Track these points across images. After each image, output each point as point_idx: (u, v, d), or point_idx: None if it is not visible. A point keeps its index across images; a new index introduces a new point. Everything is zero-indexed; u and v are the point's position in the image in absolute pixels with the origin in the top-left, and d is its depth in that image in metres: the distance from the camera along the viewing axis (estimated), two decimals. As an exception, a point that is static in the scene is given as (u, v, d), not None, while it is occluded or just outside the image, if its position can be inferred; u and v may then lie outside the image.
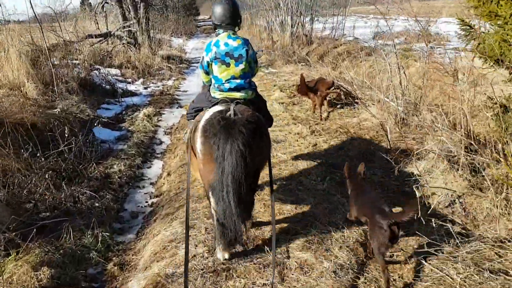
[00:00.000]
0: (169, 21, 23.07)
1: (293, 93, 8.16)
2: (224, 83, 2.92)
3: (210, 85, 3.12)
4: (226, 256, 2.72)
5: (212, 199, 2.57)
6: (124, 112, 7.00)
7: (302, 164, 4.35)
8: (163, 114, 7.01)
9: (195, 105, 3.30)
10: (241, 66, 2.91)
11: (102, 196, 3.96)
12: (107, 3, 13.32)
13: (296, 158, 4.59)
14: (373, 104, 6.21)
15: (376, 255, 2.42)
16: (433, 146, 3.89)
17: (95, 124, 5.93)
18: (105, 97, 7.61)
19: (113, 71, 9.37)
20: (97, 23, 13.63)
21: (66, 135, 4.40)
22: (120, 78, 9.11)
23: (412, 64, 10.43)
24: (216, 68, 2.91)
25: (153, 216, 3.73)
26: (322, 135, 5.41)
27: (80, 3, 21.54)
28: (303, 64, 12.18)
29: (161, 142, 5.89)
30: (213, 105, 2.87)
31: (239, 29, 3.11)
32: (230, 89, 2.92)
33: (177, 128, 6.26)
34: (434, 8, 46.45)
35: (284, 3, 18.60)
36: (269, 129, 3.14)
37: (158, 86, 9.11)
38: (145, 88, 8.79)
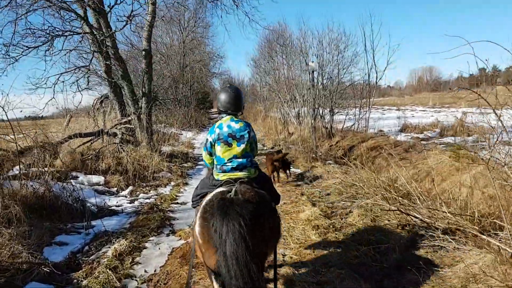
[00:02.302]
0: (180, 114, 22.09)
1: (332, 209, 5.91)
2: (226, 163, 3.04)
3: (213, 168, 3.22)
4: None
5: (215, 284, 2.52)
6: (87, 247, 4.75)
7: None
8: (144, 249, 4.71)
9: (199, 191, 3.25)
10: (243, 146, 3.06)
11: None
12: (107, 98, 11.99)
13: None
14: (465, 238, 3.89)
15: (270, 174, 7.06)
16: None
17: (29, 279, 3.68)
18: (69, 221, 5.47)
19: (95, 178, 7.37)
20: (96, 120, 12.21)
21: None
22: (102, 188, 7.06)
23: (467, 164, 8.16)
24: (219, 149, 3.07)
25: None
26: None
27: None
28: (332, 163, 10.10)
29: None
30: (217, 188, 2.91)
31: (242, 114, 3.27)
32: (232, 168, 3.01)
33: (159, 281, 3.91)
34: (445, 98, 46.26)
35: (300, 95, 17.44)
36: None
37: (150, 197, 6.97)
38: (131, 202, 6.64)
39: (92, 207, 5.98)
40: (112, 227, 5.41)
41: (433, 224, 4.23)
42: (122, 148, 8.81)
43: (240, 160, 3.04)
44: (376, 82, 16.23)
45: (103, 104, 12.40)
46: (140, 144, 9.92)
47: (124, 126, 10.19)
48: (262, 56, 22.00)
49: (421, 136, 16.13)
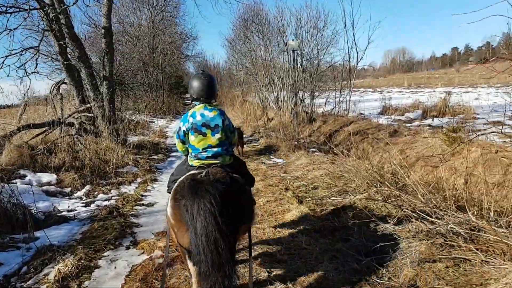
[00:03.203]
0: (151, 101, 20.79)
1: (321, 206, 5.13)
2: (201, 152, 3.04)
3: (186, 155, 3.24)
4: None
5: (189, 263, 2.59)
6: (26, 267, 3.79)
7: None
8: (96, 269, 3.79)
9: (174, 177, 3.19)
10: (218, 135, 3.02)
11: None
12: (65, 83, 10.72)
13: None
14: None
15: None
16: None
17: None
18: (8, 232, 4.47)
19: (46, 177, 6.32)
20: (55, 108, 10.95)
21: None
22: (53, 189, 6.03)
23: (463, 148, 7.57)
24: (193, 138, 3.04)
25: None
26: None
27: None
28: (316, 151, 9.33)
29: None
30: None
31: (215, 101, 3.22)
32: (207, 157, 3.02)
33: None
34: (419, 79, 46.38)
35: (279, 78, 16.54)
36: None
37: (110, 198, 6.00)
38: (87, 205, 5.65)
39: (38, 213, 4.98)
40: (60, 238, 4.45)
41: (450, 229, 3.49)
42: (79, 140, 7.72)
43: (215, 149, 3.03)
44: (357, 63, 15.53)
45: (60, 90, 11.11)
46: (102, 134, 8.83)
47: (83, 114, 9.06)
48: (238, 36, 20.86)
49: (402, 118, 15.61)
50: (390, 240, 3.81)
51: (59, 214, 5.10)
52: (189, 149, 3.14)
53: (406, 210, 4.17)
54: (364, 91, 36.48)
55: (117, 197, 6.07)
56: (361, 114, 17.12)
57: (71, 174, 6.50)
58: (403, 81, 46.53)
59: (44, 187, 5.93)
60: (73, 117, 8.96)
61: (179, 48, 29.71)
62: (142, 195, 6.21)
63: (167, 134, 13.89)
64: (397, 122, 14.09)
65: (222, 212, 2.30)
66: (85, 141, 8.12)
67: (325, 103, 15.60)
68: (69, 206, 5.41)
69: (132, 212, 5.39)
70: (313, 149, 9.58)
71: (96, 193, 6.20)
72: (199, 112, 3.04)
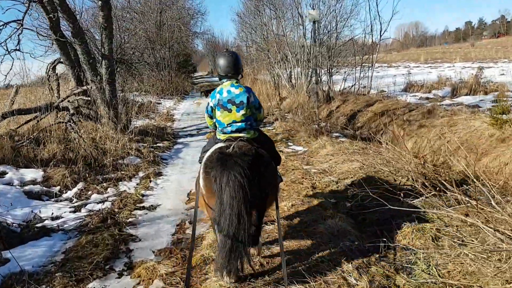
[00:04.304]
0: (158, 81, 19.72)
1: (364, 215, 4.12)
2: (226, 126, 3.17)
3: (215, 128, 3.39)
4: (232, 280, 2.76)
5: (217, 231, 2.70)
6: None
7: None
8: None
9: (205, 148, 3.37)
10: (242, 111, 3.12)
11: None
12: (61, 63, 9.69)
13: None
14: None
15: None
16: None
17: None
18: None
19: (31, 174, 5.39)
20: (52, 90, 9.99)
21: None
22: (38, 189, 5.10)
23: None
24: (219, 113, 3.18)
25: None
26: None
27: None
28: (340, 136, 8.24)
29: None
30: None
31: (241, 77, 3.37)
32: (232, 132, 3.15)
33: None
34: (434, 54, 44.30)
35: (292, 54, 15.29)
36: None
37: (105, 199, 5.05)
38: (76, 210, 4.70)
39: (14, 224, 4.06)
40: (36, 261, 3.51)
41: None
42: (72, 128, 6.76)
43: (238, 124, 3.13)
44: (380, 35, 14.19)
45: (56, 70, 10.11)
46: (101, 120, 7.87)
47: (79, 98, 8.07)
48: (248, 10, 19.47)
49: (430, 96, 14.29)
50: (477, 274, 2.77)
51: (39, 225, 4.17)
52: (216, 124, 3.28)
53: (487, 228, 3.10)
54: (379, 66, 34.78)
55: (114, 197, 5.12)
56: (382, 91, 15.82)
57: (61, 169, 5.56)
58: (419, 56, 44.58)
59: (27, 187, 5.00)
60: (68, 101, 7.98)
61: (187, 25, 28.33)
62: (143, 195, 5.25)
63: (174, 117, 12.88)
64: (426, 101, 12.86)
65: (249, 183, 2.43)
66: (80, 128, 7.16)
67: (344, 80, 14.37)
68: (53, 214, 4.47)
69: (130, 219, 4.43)
70: (337, 134, 8.50)
71: (89, 192, 5.26)
72: (226, 89, 3.15)
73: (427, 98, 13.61)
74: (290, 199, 4.67)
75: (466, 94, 13.65)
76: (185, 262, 3.42)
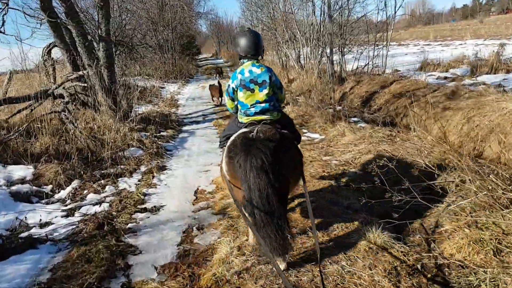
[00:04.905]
0: (162, 64, 18.99)
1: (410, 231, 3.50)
2: (249, 108, 3.07)
3: (235, 112, 3.34)
4: (282, 266, 2.73)
5: (246, 215, 2.62)
6: None
7: None
8: None
9: (226, 132, 3.35)
10: (265, 91, 3.04)
11: None
12: (56, 46, 9.02)
13: None
14: None
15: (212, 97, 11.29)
16: None
17: None
18: None
19: (20, 171, 4.82)
20: (49, 76, 9.37)
21: None
22: (27, 188, 4.53)
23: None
24: (241, 94, 3.08)
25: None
26: None
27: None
28: (359, 121, 7.57)
29: None
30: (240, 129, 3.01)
31: (262, 57, 3.26)
32: (255, 113, 3.06)
33: None
34: (442, 31, 42.88)
35: (302, 33, 14.46)
36: None
37: (103, 200, 4.48)
38: (69, 214, 4.12)
39: (-5, 235, 3.50)
40: (17, 282, 2.96)
41: None
42: (67, 118, 6.16)
43: (262, 105, 3.05)
44: (395, 11, 13.34)
45: (51, 54, 9.45)
46: (99, 108, 7.26)
47: (75, 84, 7.45)
48: (254, -12, 18.55)
49: (448, 75, 13.45)
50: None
51: (25, 234, 3.61)
52: (238, 106, 3.18)
53: None
54: (389, 45, 33.59)
55: (113, 197, 4.54)
56: (397, 71, 15.00)
57: (54, 165, 4.98)
58: (427, 34, 43.17)
59: (15, 187, 4.43)
60: (63, 87, 7.36)
61: (190, 5, 27.31)
62: (145, 194, 4.66)
63: (178, 102, 12.22)
64: (445, 80, 12.07)
65: (273, 168, 2.45)
66: (77, 118, 6.57)
67: (356, 60, 13.57)
68: (41, 220, 3.91)
69: (129, 225, 3.86)
70: (355, 119, 7.81)
71: (85, 192, 4.69)
72: (247, 69, 3.07)
73: (446, 78, 12.80)
74: (316, 205, 4.03)
75: (487, 73, 12.83)
76: (194, 283, 2.85)
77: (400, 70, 14.75)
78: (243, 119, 3.12)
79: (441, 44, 29.10)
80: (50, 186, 4.71)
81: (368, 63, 13.55)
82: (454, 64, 14.88)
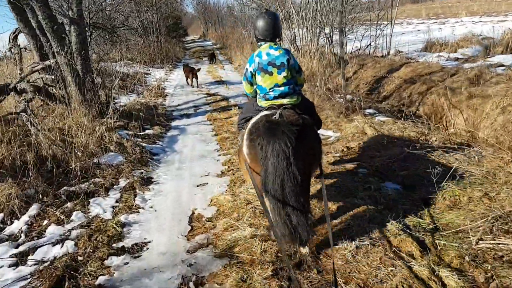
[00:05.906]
0: (146, 47, 17.62)
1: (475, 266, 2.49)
2: (268, 92, 3.00)
3: (253, 97, 3.29)
4: (303, 251, 2.77)
5: (265, 200, 2.53)
6: None
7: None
8: None
9: (243, 115, 3.32)
10: (284, 73, 2.96)
11: None
12: (22, 32, 7.72)
13: None
14: None
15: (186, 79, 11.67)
16: None
17: None
18: None
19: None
20: (16, 65, 8.12)
21: None
22: (-33, 222, 3.44)
23: None
24: (259, 78, 3.01)
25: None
26: None
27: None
28: (376, 113, 6.55)
29: None
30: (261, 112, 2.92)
31: (280, 39, 3.18)
32: (275, 97, 2.99)
33: None
34: (434, 9, 41.85)
35: (297, 12, 13.24)
36: None
37: (67, 236, 3.39)
38: (18, 262, 3.05)
39: None
40: None
41: None
42: (27, 120, 5.00)
43: (282, 88, 2.97)
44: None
45: (17, 41, 8.15)
46: (71, 104, 6.09)
47: (41, 76, 6.25)
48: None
49: (458, 55, 12.47)
50: None
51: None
52: (257, 90, 3.12)
53: None
54: (382, 24, 32.49)
55: (80, 230, 3.47)
56: (400, 52, 13.96)
57: (6, 186, 3.88)
58: (418, 12, 42.08)
59: (-51, 222, 3.34)
60: (28, 81, 6.16)
61: (175, -17, 25.65)
62: (124, 224, 3.59)
63: (166, 91, 11.00)
64: (456, 62, 11.11)
65: (295, 154, 2.35)
66: (42, 118, 5.42)
67: (358, 40, 12.50)
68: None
69: (99, 279, 2.80)
70: (370, 111, 6.78)
71: (45, 222, 3.61)
72: (265, 51, 2.98)
73: (457, 59, 11.81)
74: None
75: (502, 53, 11.89)
76: None
77: (402, 51, 13.74)
78: (262, 103, 3.05)
79: (436, 22, 28.13)
80: (0, 215, 3.62)
81: (370, 43, 12.50)
82: (463, 43, 13.89)
